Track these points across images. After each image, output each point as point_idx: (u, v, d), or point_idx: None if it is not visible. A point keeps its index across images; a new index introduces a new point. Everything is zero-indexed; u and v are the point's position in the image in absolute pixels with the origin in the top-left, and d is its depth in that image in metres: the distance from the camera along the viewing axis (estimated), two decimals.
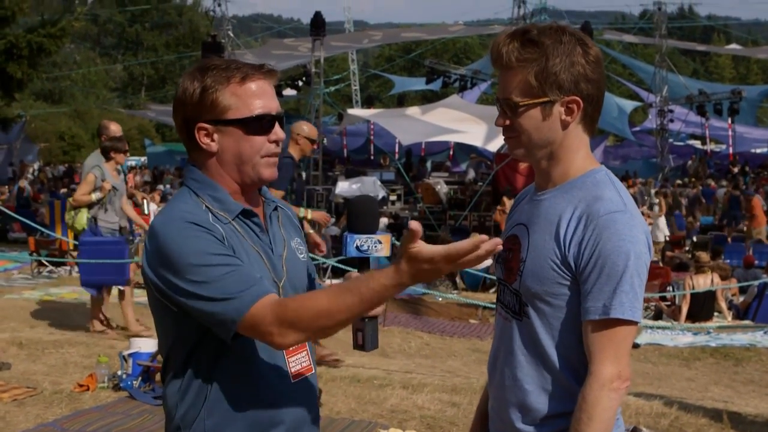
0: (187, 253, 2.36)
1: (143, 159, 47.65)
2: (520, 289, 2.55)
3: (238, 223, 2.51)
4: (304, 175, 27.36)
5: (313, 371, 2.65)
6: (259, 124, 2.50)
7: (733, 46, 58.53)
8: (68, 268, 16.93)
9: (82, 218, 9.89)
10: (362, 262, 2.50)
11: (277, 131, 2.54)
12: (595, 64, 2.52)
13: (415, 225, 2.10)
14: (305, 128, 8.87)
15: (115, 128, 10.42)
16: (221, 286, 2.33)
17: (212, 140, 2.50)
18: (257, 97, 2.50)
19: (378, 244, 2.47)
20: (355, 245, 2.45)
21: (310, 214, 8.74)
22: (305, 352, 2.61)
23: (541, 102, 2.49)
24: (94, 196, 9.81)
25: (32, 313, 11.56)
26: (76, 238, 10.41)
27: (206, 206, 2.49)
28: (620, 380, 2.42)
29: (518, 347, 2.57)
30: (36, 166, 43.20)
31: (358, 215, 2.49)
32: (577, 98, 2.50)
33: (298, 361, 2.58)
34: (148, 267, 2.45)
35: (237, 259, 2.39)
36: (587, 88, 2.50)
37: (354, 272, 2.57)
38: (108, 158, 9.98)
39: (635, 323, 2.44)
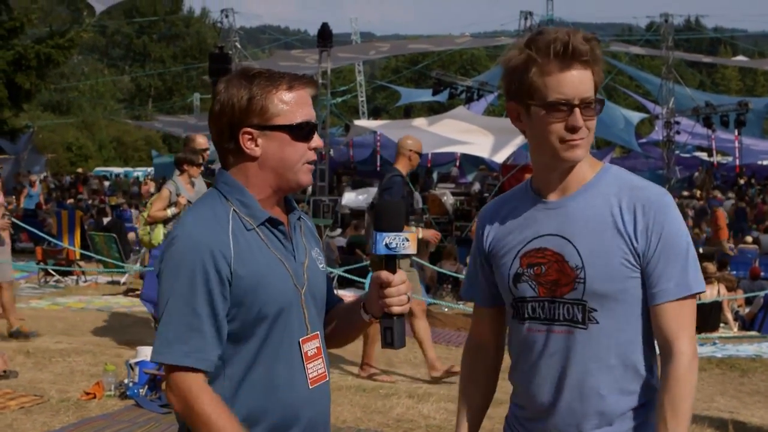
0: (176, 283, 2.46)
1: (150, 170, 47.78)
2: (584, 297, 2.54)
3: (262, 230, 2.56)
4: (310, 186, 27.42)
5: (327, 378, 2.70)
6: (303, 131, 2.58)
7: (740, 58, 58.40)
8: (75, 277, 16.99)
9: (159, 234, 9.62)
10: (389, 260, 2.56)
11: (316, 139, 2.62)
12: None
13: None
14: (410, 142, 8.82)
15: (201, 140, 10.11)
16: (173, 327, 2.45)
17: (256, 145, 2.56)
18: (302, 105, 2.59)
19: (406, 242, 2.54)
20: (384, 243, 2.51)
21: (421, 233, 8.80)
22: (321, 359, 2.67)
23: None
24: (170, 212, 9.53)
25: (39, 322, 11.60)
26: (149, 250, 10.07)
27: (234, 210, 2.54)
28: (696, 356, 2.52)
29: (587, 356, 2.56)
30: (42, 176, 43.30)
31: (386, 214, 2.56)
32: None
33: (315, 368, 2.63)
34: (159, 263, 2.54)
35: (210, 309, 2.45)
36: None
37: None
38: (181, 171, 9.70)
39: (701, 292, 2.57)
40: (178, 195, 9.54)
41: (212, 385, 2.49)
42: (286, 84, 2.57)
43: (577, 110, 2.49)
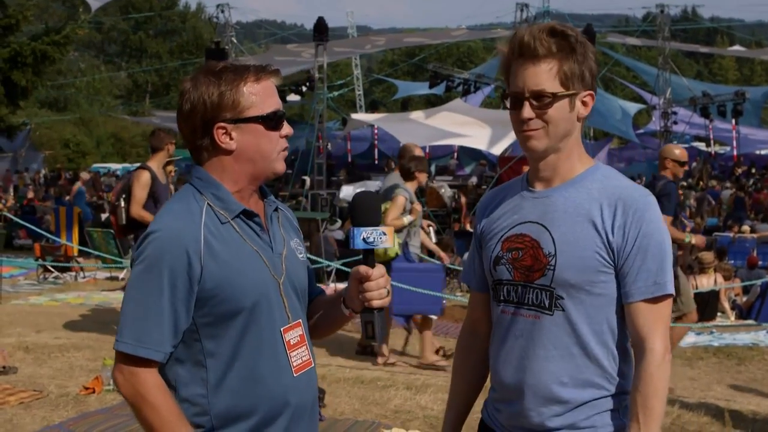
0: (145, 277, 2.50)
1: None
2: (552, 284, 2.59)
3: (237, 222, 2.59)
4: (308, 180, 27.38)
5: (313, 365, 2.73)
6: (273, 120, 2.61)
7: (737, 47, 58.41)
8: (73, 273, 17.01)
9: (395, 246, 9.11)
10: (367, 254, 2.60)
11: (286, 127, 2.65)
12: (597, 63, 2.67)
13: None
14: (677, 152, 8.77)
15: (419, 151, 9.83)
16: (136, 318, 2.49)
17: (231, 138, 2.58)
18: (270, 95, 2.62)
19: (383, 236, 2.58)
20: (362, 237, 2.56)
21: (694, 239, 9.00)
22: (305, 347, 2.69)
23: (570, 94, 2.59)
24: (406, 220, 9.10)
25: (38, 318, 11.63)
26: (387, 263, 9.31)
27: (208, 204, 2.57)
28: (668, 353, 2.55)
29: (550, 341, 2.62)
30: (42, 173, 43.35)
31: (362, 209, 2.60)
32: (592, 93, 2.64)
33: (299, 356, 2.66)
34: (133, 255, 2.59)
35: (172, 306, 2.48)
36: (594, 84, 2.64)
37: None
38: (411, 178, 9.30)
39: (673, 296, 2.59)
40: (412, 203, 9.18)
41: (194, 379, 2.54)
42: (253, 75, 2.60)
43: (526, 103, 2.59)
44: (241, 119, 2.57)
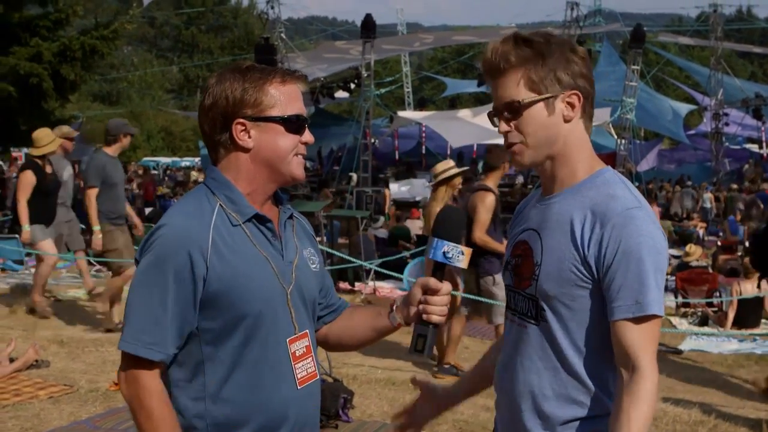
0: (150, 276, 2.47)
1: (197, 160, 48.21)
2: (536, 294, 2.53)
3: (248, 226, 2.55)
4: (354, 177, 27.36)
5: (318, 377, 2.68)
6: (295, 124, 2.58)
7: None
8: None
9: None
10: (441, 267, 2.60)
11: (308, 134, 2.62)
12: (585, 62, 2.55)
13: None
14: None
15: None
16: (139, 318, 2.46)
17: (249, 136, 2.55)
18: (294, 99, 2.61)
19: (461, 255, 2.57)
20: (442, 251, 2.56)
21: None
22: (311, 358, 2.64)
23: (544, 98, 2.50)
24: None
25: (76, 311, 11.70)
26: None
27: (220, 205, 2.53)
28: (655, 374, 2.41)
29: (535, 352, 2.55)
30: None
31: (448, 224, 2.62)
32: (578, 92, 2.52)
33: (304, 368, 2.61)
34: (139, 252, 2.54)
35: (176, 306, 2.45)
36: (583, 84, 2.53)
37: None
38: None
39: (661, 317, 2.44)
40: None
41: (192, 384, 2.49)
42: (279, 77, 2.58)
43: (501, 118, 2.57)
44: (261, 118, 2.55)
